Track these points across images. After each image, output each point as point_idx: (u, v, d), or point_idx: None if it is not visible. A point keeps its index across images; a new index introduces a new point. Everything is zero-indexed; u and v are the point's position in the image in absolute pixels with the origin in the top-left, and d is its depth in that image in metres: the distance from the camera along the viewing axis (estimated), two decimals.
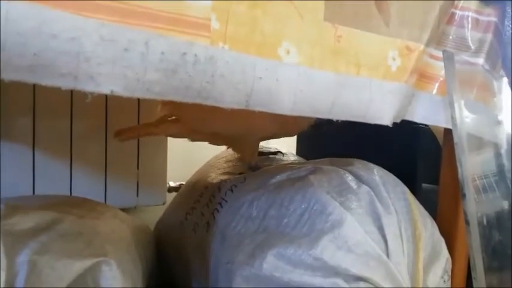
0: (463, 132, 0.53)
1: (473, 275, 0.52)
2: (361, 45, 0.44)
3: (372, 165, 0.63)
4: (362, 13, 0.44)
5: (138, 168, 1.00)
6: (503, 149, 0.62)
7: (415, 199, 0.62)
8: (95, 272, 0.47)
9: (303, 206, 0.57)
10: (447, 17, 0.53)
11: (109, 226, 0.56)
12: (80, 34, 0.29)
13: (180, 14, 0.33)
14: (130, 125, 0.96)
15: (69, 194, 0.92)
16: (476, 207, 0.54)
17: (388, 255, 0.54)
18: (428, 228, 0.60)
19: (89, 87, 0.31)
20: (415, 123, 0.59)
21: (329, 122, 0.48)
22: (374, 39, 0.45)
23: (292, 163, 0.81)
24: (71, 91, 0.89)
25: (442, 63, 0.55)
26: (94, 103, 0.94)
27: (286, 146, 0.99)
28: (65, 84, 0.30)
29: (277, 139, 0.85)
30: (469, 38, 0.56)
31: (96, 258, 0.47)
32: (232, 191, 0.67)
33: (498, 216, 0.59)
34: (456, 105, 0.52)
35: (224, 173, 0.77)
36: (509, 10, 0.56)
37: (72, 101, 0.91)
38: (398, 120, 0.52)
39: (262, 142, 0.87)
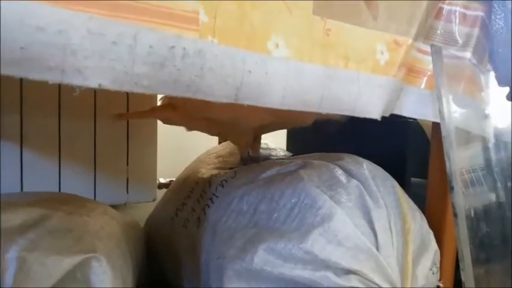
0: (451, 126, 0.53)
1: (461, 266, 0.53)
2: (350, 39, 0.44)
3: (361, 159, 0.64)
4: (350, 7, 0.44)
5: (127, 165, 0.99)
6: (491, 143, 0.63)
7: (404, 193, 0.62)
8: (84, 268, 0.46)
9: (293, 201, 0.57)
10: (435, 12, 0.54)
11: (98, 222, 0.56)
12: (67, 27, 0.29)
13: (168, 7, 0.33)
14: (119, 122, 0.96)
15: (58, 191, 0.91)
16: (464, 200, 0.55)
17: (377, 248, 0.54)
18: (417, 221, 0.60)
19: (77, 80, 0.30)
20: (404, 117, 0.59)
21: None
22: (362, 33, 0.45)
23: (282, 158, 0.82)
24: (59, 87, 0.89)
25: (430, 58, 0.55)
26: (83, 99, 0.94)
27: (276, 141, 0.99)
28: (52, 78, 0.30)
29: (267, 134, 0.85)
30: (457, 33, 0.56)
31: (85, 254, 0.46)
32: (222, 186, 0.67)
33: (485, 209, 0.59)
34: (444, 99, 0.53)
35: (215, 168, 0.77)
36: (496, 5, 0.56)
37: (60, 97, 0.90)
38: (387, 114, 0.52)
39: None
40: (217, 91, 0.37)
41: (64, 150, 0.92)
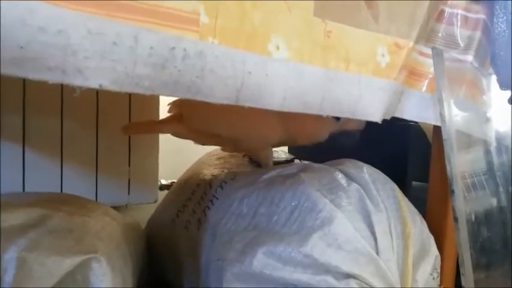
0: (452, 129, 0.53)
1: (461, 271, 0.53)
2: (351, 41, 0.44)
3: (361, 163, 0.64)
4: (351, 9, 0.44)
5: (129, 166, 0.99)
6: (493, 146, 0.63)
7: (405, 197, 0.62)
8: (84, 269, 0.46)
9: (293, 204, 0.57)
10: (436, 14, 0.54)
11: (99, 223, 0.56)
12: (66, 27, 0.29)
13: (169, 8, 0.33)
14: (121, 123, 0.96)
15: (59, 192, 0.91)
16: (465, 204, 0.54)
17: (377, 252, 0.54)
18: (417, 226, 0.60)
19: (77, 81, 0.30)
20: (405, 120, 0.59)
21: None
22: (363, 35, 0.45)
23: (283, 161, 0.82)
24: (61, 88, 0.89)
25: (431, 61, 0.55)
26: (85, 100, 0.94)
27: None
28: (53, 78, 0.30)
29: None
30: (458, 36, 0.56)
31: (86, 255, 0.46)
32: (222, 187, 0.67)
33: (486, 213, 0.59)
34: (445, 102, 0.52)
35: (216, 170, 0.77)
36: (498, 8, 0.56)
37: (63, 98, 0.90)
38: (388, 117, 0.52)
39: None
40: (218, 92, 0.37)
41: (66, 151, 0.92)
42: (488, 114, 0.63)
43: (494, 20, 0.58)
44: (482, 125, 0.63)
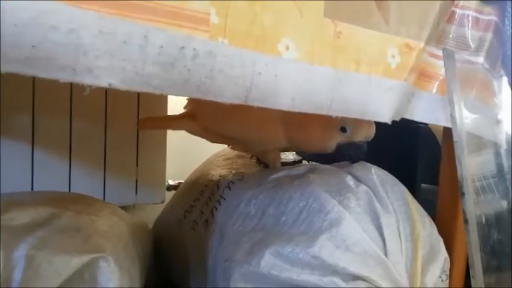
0: (462, 131, 0.53)
1: (471, 273, 0.52)
2: (361, 42, 0.44)
3: (369, 165, 0.63)
4: (362, 10, 0.44)
5: (137, 166, 1.00)
6: (503, 149, 0.62)
7: (414, 199, 0.62)
8: (92, 268, 0.46)
9: (301, 204, 0.57)
10: (447, 16, 0.53)
11: (107, 223, 0.56)
12: (78, 26, 0.29)
13: (179, 7, 0.33)
14: (130, 123, 0.96)
15: (67, 191, 0.92)
16: (475, 207, 0.54)
17: (386, 254, 0.54)
18: (426, 228, 0.59)
19: (87, 80, 0.31)
20: (415, 122, 0.59)
21: None
22: (373, 36, 0.45)
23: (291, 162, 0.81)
24: (71, 88, 0.90)
25: (442, 62, 0.54)
26: (93, 100, 0.95)
27: None
28: (64, 77, 0.30)
29: None
30: (469, 37, 0.56)
31: (93, 254, 0.47)
32: (229, 188, 0.67)
33: (497, 216, 0.58)
34: (456, 104, 0.52)
35: (223, 171, 0.77)
36: (509, 9, 0.55)
37: (72, 98, 0.91)
38: (397, 119, 0.52)
39: None
40: (227, 92, 0.37)
41: (75, 151, 0.93)
42: (499, 116, 0.63)
43: (506, 21, 0.57)
44: (493, 127, 0.62)
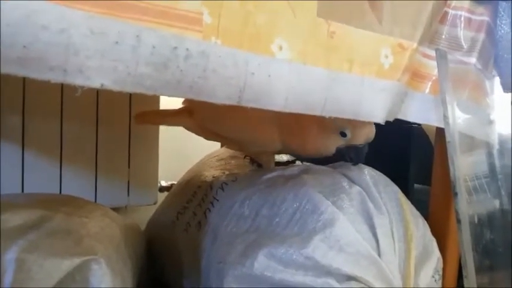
0: (455, 131, 0.53)
1: (464, 273, 0.52)
2: (354, 42, 0.44)
3: (363, 166, 0.64)
4: (355, 10, 0.44)
5: (129, 168, 0.99)
6: (495, 149, 0.63)
7: (407, 199, 0.62)
8: (84, 270, 0.46)
9: (295, 205, 0.57)
10: (440, 16, 0.53)
11: (98, 224, 0.55)
12: (68, 26, 0.28)
13: (171, 7, 0.33)
14: (121, 125, 0.96)
15: (58, 193, 0.91)
16: (468, 207, 0.54)
17: (379, 255, 0.54)
18: (419, 228, 0.60)
19: (79, 80, 0.30)
20: (408, 123, 0.59)
21: None
22: (367, 36, 0.45)
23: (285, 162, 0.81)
24: (61, 89, 0.89)
25: (434, 63, 0.55)
26: (85, 102, 0.94)
27: None
28: (55, 77, 0.30)
29: None
30: (462, 37, 0.56)
31: (85, 256, 0.46)
32: (223, 189, 0.67)
33: (489, 215, 0.59)
34: (449, 104, 0.52)
35: (216, 171, 0.77)
36: (501, 10, 0.56)
37: (63, 99, 0.90)
38: (391, 119, 0.52)
39: None
40: (220, 93, 0.37)
41: (65, 153, 0.92)
42: (491, 117, 0.63)
43: (498, 22, 0.58)
44: (485, 127, 0.62)
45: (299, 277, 0.51)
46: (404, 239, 0.56)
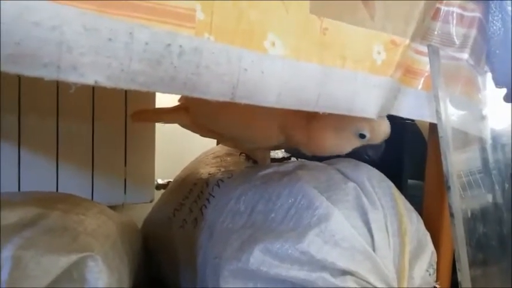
0: (448, 126, 0.53)
1: (457, 266, 0.53)
2: (347, 38, 0.44)
3: (357, 161, 0.64)
4: (347, 6, 0.44)
5: (125, 165, 0.99)
6: (488, 144, 0.63)
7: (401, 194, 0.62)
8: (80, 267, 0.46)
9: (290, 201, 0.57)
10: (432, 12, 0.54)
11: (95, 222, 0.56)
12: (61, 23, 0.29)
13: (164, 4, 0.33)
14: (117, 123, 0.96)
15: (55, 191, 0.91)
16: (461, 202, 0.55)
17: (374, 249, 0.54)
18: (413, 223, 0.60)
19: (73, 77, 0.30)
20: (401, 118, 0.59)
21: None
22: (359, 32, 0.45)
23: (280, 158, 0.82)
24: (57, 87, 0.89)
25: (427, 59, 0.55)
26: (80, 100, 0.94)
27: None
28: (48, 74, 0.30)
29: None
30: (454, 34, 0.56)
31: (81, 253, 0.46)
32: (219, 186, 0.67)
33: (482, 209, 0.59)
34: (441, 100, 0.53)
35: (212, 169, 0.77)
36: (493, 6, 0.56)
37: (58, 97, 0.90)
38: (384, 115, 0.53)
39: None
40: (214, 89, 0.37)
41: (62, 151, 0.92)
42: (483, 112, 0.64)
43: (490, 18, 0.58)
44: (478, 123, 0.63)
45: (294, 272, 0.51)
46: (399, 233, 0.57)
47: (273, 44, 0.39)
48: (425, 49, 0.55)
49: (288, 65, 0.41)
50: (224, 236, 0.58)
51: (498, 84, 0.60)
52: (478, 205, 0.60)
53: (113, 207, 0.72)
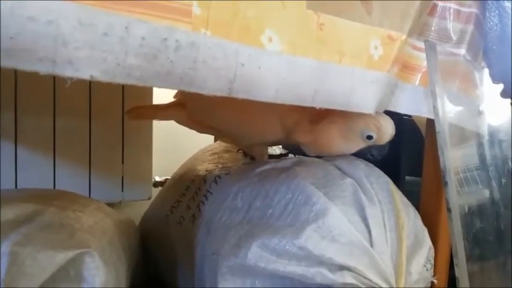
0: (445, 121, 0.53)
1: (455, 261, 0.53)
2: (344, 34, 0.44)
3: (355, 158, 0.64)
4: (344, 2, 0.44)
5: (123, 163, 0.99)
6: (485, 140, 0.63)
7: (398, 190, 0.62)
8: (77, 264, 0.46)
9: (288, 197, 0.57)
10: (429, 8, 0.54)
11: (92, 218, 0.56)
12: (57, 17, 0.28)
13: None
14: (115, 121, 0.96)
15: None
16: (458, 198, 0.55)
17: (371, 245, 0.54)
18: (411, 218, 0.60)
19: (68, 72, 0.30)
20: (399, 114, 0.59)
21: None
22: (356, 27, 0.45)
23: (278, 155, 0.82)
24: (54, 84, 0.89)
25: (424, 54, 0.55)
26: (77, 97, 0.94)
27: None
28: (43, 69, 0.30)
29: None
30: (451, 29, 0.56)
31: (78, 249, 0.46)
32: (216, 182, 0.67)
33: (479, 204, 0.59)
34: (438, 95, 0.53)
35: (210, 166, 0.77)
36: (490, 2, 0.56)
37: (56, 94, 0.90)
38: (381, 110, 0.53)
39: None
40: (211, 84, 0.37)
41: (59, 148, 0.92)
42: (480, 108, 0.64)
43: (487, 14, 0.58)
44: (475, 118, 0.63)
45: (292, 267, 0.51)
46: (396, 229, 0.57)
47: (270, 39, 0.39)
48: (422, 45, 0.55)
49: (285, 60, 0.40)
50: (222, 233, 0.58)
51: (495, 80, 0.60)
52: (475, 200, 0.60)
53: (110, 205, 0.72)
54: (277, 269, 0.51)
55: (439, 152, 0.53)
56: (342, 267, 0.52)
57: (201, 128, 0.75)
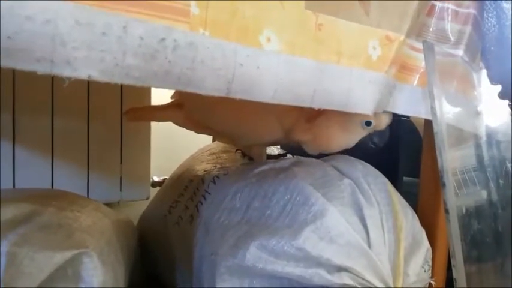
0: (443, 122, 0.53)
1: (452, 263, 0.53)
2: (342, 34, 0.44)
3: (353, 158, 0.64)
4: (342, 2, 0.44)
5: (121, 163, 0.99)
6: (483, 141, 0.63)
7: (396, 191, 0.63)
8: (75, 264, 0.46)
9: (286, 197, 0.57)
10: (427, 8, 0.54)
11: (90, 219, 0.55)
12: (54, 17, 0.28)
13: None
14: (113, 121, 0.96)
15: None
16: (456, 199, 0.55)
17: (369, 246, 0.54)
18: (409, 219, 0.60)
19: (66, 72, 0.30)
20: (397, 115, 0.59)
21: None
22: (354, 28, 0.45)
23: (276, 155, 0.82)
24: (52, 84, 0.89)
25: (422, 55, 0.55)
26: (76, 97, 0.94)
27: None
28: (41, 69, 0.30)
29: None
30: (449, 30, 0.56)
31: (76, 249, 0.46)
32: (214, 183, 0.67)
33: (477, 206, 0.60)
34: (436, 96, 0.53)
35: (208, 166, 0.77)
36: (488, 3, 0.56)
37: (54, 94, 0.90)
38: (379, 111, 0.53)
39: None
40: (209, 84, 0.37)
41: (57, 148, 0.92)
42: (478, 109, 0.64)
43: (485, 15, 0.58)
44: (473, 119, 0.63)
45: (290, 268, 0.51)
46: (394, 230, 0.57)
47: (269, 39, 0.39)
48: (420, 45, 0.55)
49: (283, 60, 0.40)
50: (220, 233, 0.58)
51: (493, 81, 0.60)
52: (473, 202, 0.60)
53: (108, 205, 0.72)
54: (275, 270, 0.51)
55: (437, 153, 0.53)
56: (340, 268, 0.52)
57: (199, 128, 0.75)
